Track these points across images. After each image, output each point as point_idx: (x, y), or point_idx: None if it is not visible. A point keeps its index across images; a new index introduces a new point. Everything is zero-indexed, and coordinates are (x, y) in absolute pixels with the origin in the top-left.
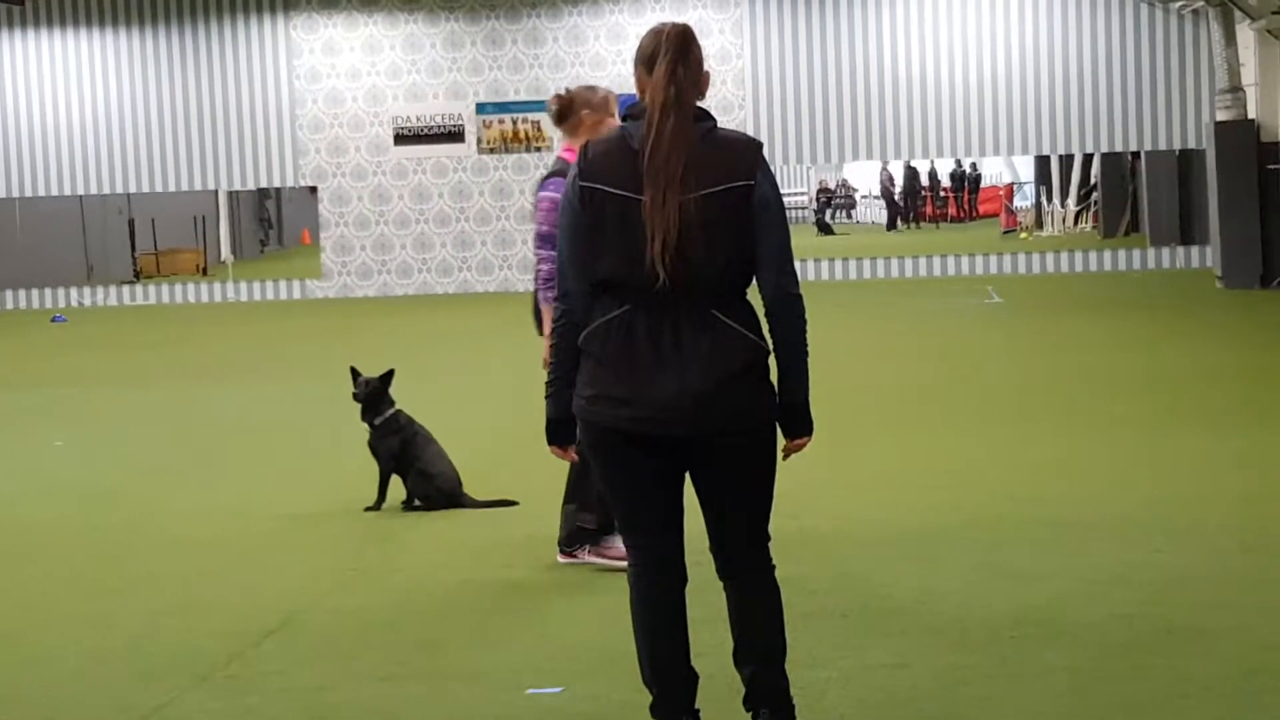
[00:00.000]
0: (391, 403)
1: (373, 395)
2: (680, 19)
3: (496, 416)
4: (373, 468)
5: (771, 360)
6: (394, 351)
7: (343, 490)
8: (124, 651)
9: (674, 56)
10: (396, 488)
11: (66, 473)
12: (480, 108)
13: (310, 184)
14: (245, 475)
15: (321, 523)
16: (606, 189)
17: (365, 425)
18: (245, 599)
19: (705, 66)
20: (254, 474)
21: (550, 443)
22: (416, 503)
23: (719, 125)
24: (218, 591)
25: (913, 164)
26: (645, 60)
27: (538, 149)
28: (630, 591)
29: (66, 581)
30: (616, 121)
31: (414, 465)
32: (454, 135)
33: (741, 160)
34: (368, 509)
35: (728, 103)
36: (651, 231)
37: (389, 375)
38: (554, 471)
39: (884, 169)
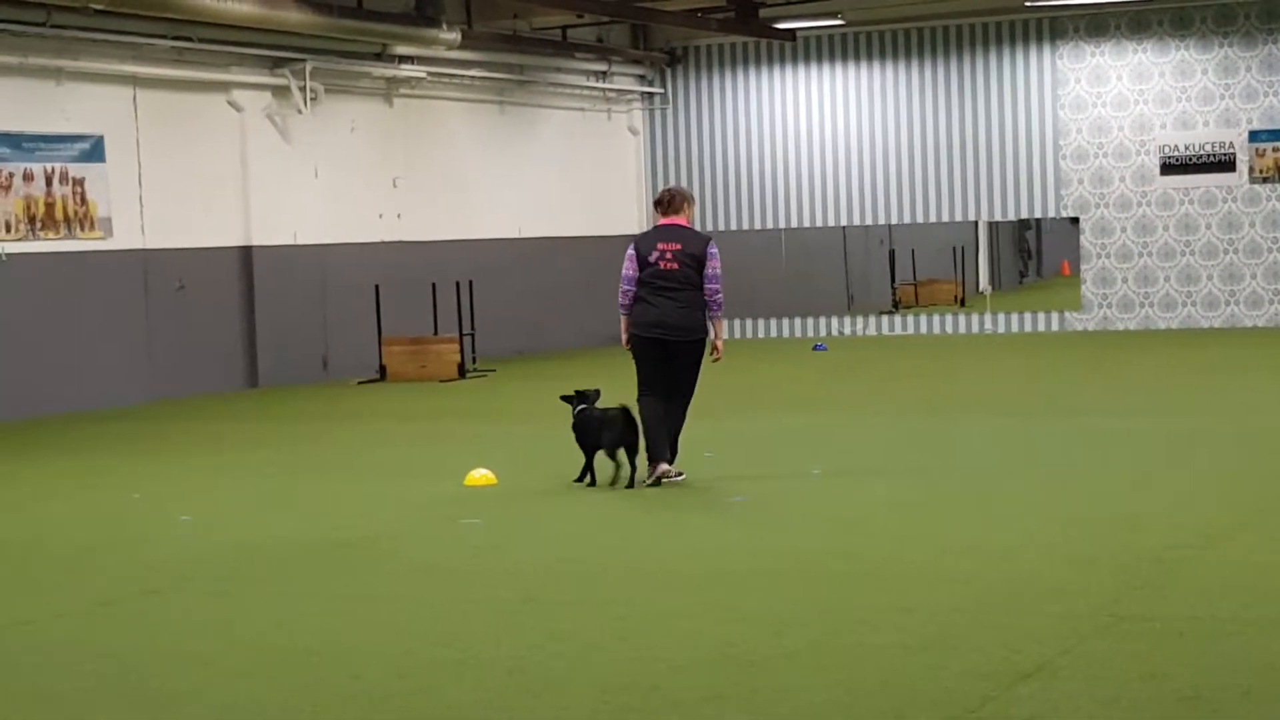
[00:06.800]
0: None
1: None
2: None
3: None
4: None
5: None
6: (1148, 386)
7: (1108, 533)
8: (875, 688)
9: None
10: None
11: (817, 503)
12: (1253, 135)
13: (1072, 215)
14: (1010, 512)
15: (1081, 567)
16: None
17: None
18: (997, 639)
19: None
20: (1013, 511)
21: None
22: None
23: None
24: (969, 629)
25: None
26: None
27: None
28: None
29: (820, 610)
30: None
31: None
32: (1224, 164)
33: None
34: None
35: None
36: None
37: None
38: None
39: None
